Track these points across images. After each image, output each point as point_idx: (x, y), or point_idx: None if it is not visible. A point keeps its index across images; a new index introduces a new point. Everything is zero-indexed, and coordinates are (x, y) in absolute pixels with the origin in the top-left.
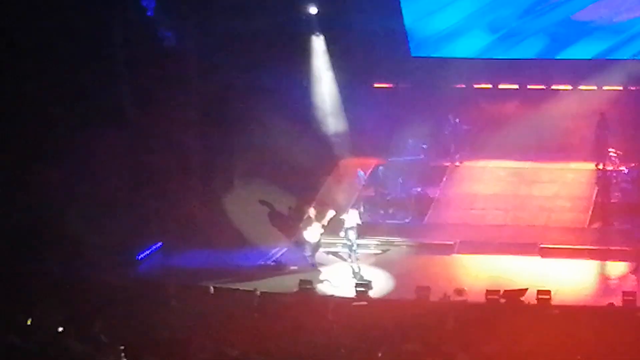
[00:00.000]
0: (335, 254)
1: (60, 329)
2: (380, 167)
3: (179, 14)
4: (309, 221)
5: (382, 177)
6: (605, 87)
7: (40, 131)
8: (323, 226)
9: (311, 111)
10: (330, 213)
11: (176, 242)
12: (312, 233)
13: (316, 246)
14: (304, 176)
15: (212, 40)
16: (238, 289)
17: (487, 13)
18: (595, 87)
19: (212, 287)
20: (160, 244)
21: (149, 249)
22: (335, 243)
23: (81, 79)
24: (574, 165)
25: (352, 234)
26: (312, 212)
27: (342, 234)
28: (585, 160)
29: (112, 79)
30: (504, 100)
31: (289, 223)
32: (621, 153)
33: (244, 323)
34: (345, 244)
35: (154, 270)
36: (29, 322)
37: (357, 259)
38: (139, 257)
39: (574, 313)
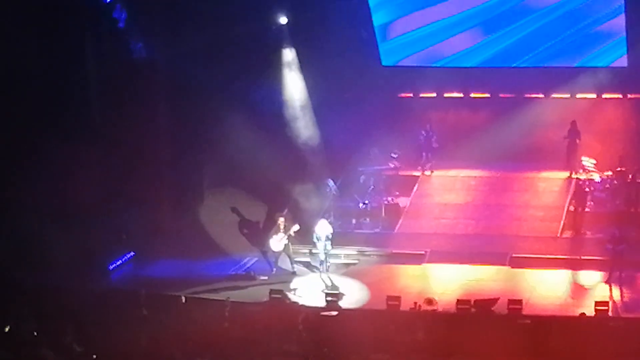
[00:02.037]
0: (306, 263)
1: (34, 335)
2: (361, 176)
3: (150, 25)
4: (277, 230)
5: (361, 185)
6: (578, 95)
7: (13, 144)
8: (289, 237)
9: (282, 121)
10: (295, 227)
11: (148, 252)
12: (277, 242)
13: (279, 255)
14: (275, 185)
15: (182, 51)
16: (209, 298)
17: (459, 22)
18: (568, 95)
19: (183, 297)
20: (132, 253)
21: (121, 259)
22: (305, 253)
23: (53, 92)
24: (545, 174)
25: (322, 244)
26: (281, 221)
27: (316, 242)
28: (558, 169)
29: (84, 92)
30: (476, 109)
31: (259, 232)
32: (594, 161)
33: (215, 332)
34: (316, 253)
35: (126, 280)
36: (7, 329)
37: (328, 269)
38: (111, 266)
39: (545, 323)
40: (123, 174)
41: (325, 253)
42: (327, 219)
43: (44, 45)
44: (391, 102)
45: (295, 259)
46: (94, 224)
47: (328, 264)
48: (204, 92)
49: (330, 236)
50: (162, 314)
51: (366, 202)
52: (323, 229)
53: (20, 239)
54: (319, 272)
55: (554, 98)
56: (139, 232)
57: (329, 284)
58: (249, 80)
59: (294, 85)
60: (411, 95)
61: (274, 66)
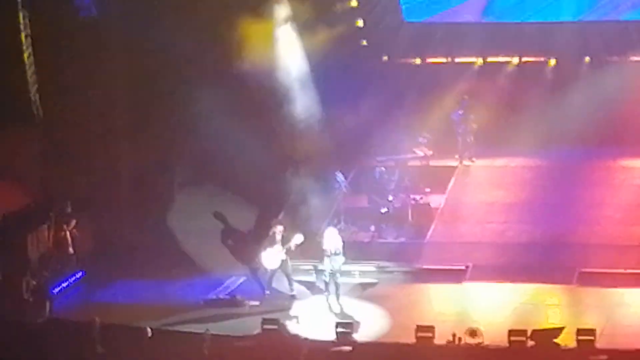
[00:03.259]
0: (309, 284)
1: None
2: (378, 169)
3: None
4: (272, 241)
5: (378, 181)
6: None
7: None
8: (287, 251)
9: (275, 98)
10: (297, 238)
11: (102, 271)
12: (271, 257)
13: (274, 273)
14: (267, 182)
15: (142, 9)
16: (182, 331)
17: None
18: None
19: (149, 329)
20: (81, 273)
21: (66, 280)
22: (309, 270)
23: None
24: (625, 162)
25: (331, 260)
26: (278, 229)
27: (323, 258)
28: None
29: (17, 61)
30: (531, 78)
31: (248, 244)
32: None
33: None
34: (323, 271)
35: (74, 308)
36: None
37: (339, 291)
38: (55, 290)
39: (628, 359)
40: (67, 169)
41: (335, 271)
42: (335, 227)
43: None
44: (417, 70)
45: (295, 279)
46: (30, 236)
47: (339, 284)
48: (172, 62)
49: (340, 249)
50: (121, 352)
51: (390, 200)
52: (331, 240)
53: None
54: (327, 295)
55: (635, 61)
56: (89, 245)
57: (340, 310)
58: (228, 45)
59: (289, 51)
60: (443, 60)
61: (263, 26)
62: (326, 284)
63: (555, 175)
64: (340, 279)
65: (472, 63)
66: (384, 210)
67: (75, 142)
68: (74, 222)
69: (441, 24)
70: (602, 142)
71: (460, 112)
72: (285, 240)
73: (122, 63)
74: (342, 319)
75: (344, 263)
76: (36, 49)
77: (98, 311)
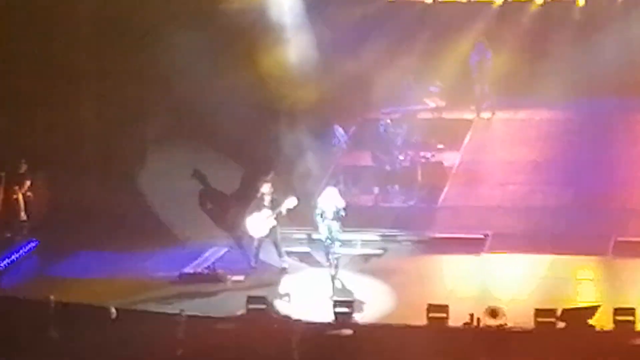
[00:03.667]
0: (303, 255)
1: None
2: (383, 122)
3: None
4: (259, 205)
5: (383, 136)
6: None
7: None
8: (278, 216)
9: (263, 36)
10: (290, 201)
11: (59, 240)
12: (258, 224)
13: (262, 242)
14: (252, 135)
15: None
16: (153, 311)
17: None
18: None
19: (113, 309)
20: (34, 243)
21: (17, 251)
22: (302, 239)
23: None
24: None
25: (329, 226)
26: (267, 191)
27: (319, 223)
28: None
29: None
30: (559, 16)
31: (230, 208)
32: None
33: None
34: (320, 240)
35: (25, 283)
36: None
37: (337, 264)
38: (2, 263)
39: None
40: (21, 121)
41: (333, 239)
42: (335, 187)
43: None
44: (428, 9)
45: (287, 249)
46: None
47: (337, 255)
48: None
49: (341, 212)
50: (80, 337)
51: (397, 158)
52: (330, 201)
53: None
54: (324, 269)
55: None
56: (44, 210)
57: (339, 286)
58: None
59: None
60: None
61: None
62: (326, 253)
63: (585, 130)
64: (340, 250)
65: (491, 1)
66: (387, 167)
67: (31, 92)
68: (28, 184)
69: None
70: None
71: (477, 57)
72: (275, 204)
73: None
74: (341, 297)
75: (344, 230)
76: None
77: (53, 287)
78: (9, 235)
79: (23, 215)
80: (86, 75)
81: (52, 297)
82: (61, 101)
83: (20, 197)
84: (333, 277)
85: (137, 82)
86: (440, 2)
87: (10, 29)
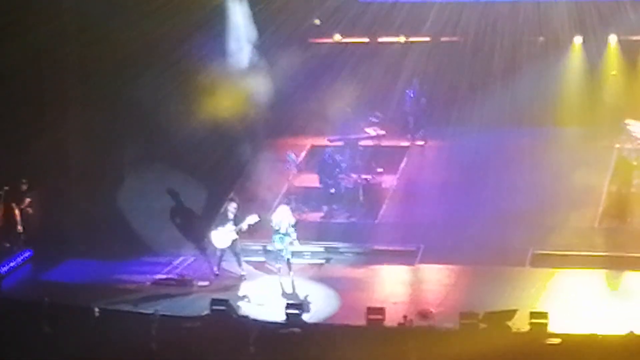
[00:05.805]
0: (259, 264)
1: None
2: (328, 149)
3: None
4: (224, 219)
5: (329, 161)
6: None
7: None
8: (239, 231)
9: (226, 75)
10: (252, 218)
11: (50, 250)
12: (222, 237)
13: (224, 253)
14: (218, 161)
15: None
16: (131, 311)
17: None
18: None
19: (96, 309)
20: (29, 252)
21: (14, 260)
22: (258, 250)
23: None
24: (577, 143)
25: (282, 239)
26: (231, 207)
27: (274, 236)
28: (596, 135)
29: None
30: (485, 57)
31: (196, 222)
32: None
33: (138, 356)
34: (274, 251)
35: (22, 287)
36: None
37: (290, 271)
38: (2, 270)
39: (581, 343)
40: (14, 144)
41: (285, 250)
42: (288, 205)
43: None
44: (369, 49)
45: (245, 259)
46: None
47: (290, 264)
48: (121, 37)
49: (292, 227)
50: (69, 332)
51: (340, 180)
52: (283, 217)
53: None
54: (277, 276)
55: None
56: (37, 223)
57: (290, 291)
58: (178, 22)
59: (241, 27)
60: (396, 39)
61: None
62: (278, 263)
63: (509, 155)
64: (291, 260)
65: (424, 42)
66: (332, 190)
67: (27, 119)
68: (27, 201)
69: (394, 3)
70: (557, 121)
71: (412, 92)
72: (238, 220)
73: (72, 36)
74: (292, 300)
75: (295, 242)
76: None
77: (46, 291)
78: (7, 245)
79: (19, 228)
80: (73, 102)
81: (45, 299)
82: (51, 127)
83: (17, 212)
84: (285, 283)
85: (117, 111)
86: (380, 43)
87: (8, 58)
